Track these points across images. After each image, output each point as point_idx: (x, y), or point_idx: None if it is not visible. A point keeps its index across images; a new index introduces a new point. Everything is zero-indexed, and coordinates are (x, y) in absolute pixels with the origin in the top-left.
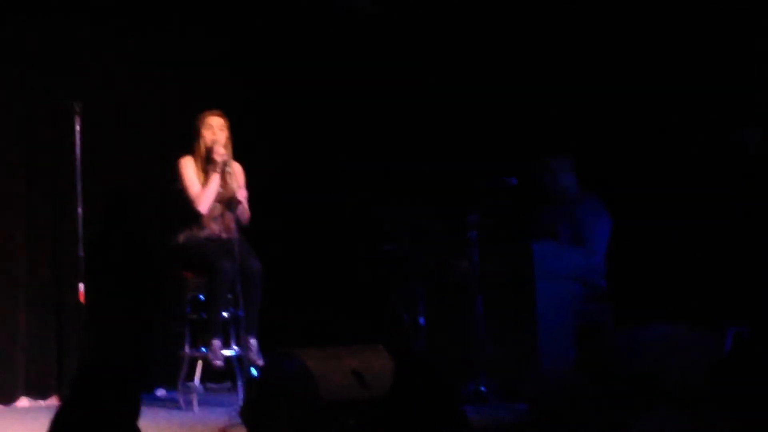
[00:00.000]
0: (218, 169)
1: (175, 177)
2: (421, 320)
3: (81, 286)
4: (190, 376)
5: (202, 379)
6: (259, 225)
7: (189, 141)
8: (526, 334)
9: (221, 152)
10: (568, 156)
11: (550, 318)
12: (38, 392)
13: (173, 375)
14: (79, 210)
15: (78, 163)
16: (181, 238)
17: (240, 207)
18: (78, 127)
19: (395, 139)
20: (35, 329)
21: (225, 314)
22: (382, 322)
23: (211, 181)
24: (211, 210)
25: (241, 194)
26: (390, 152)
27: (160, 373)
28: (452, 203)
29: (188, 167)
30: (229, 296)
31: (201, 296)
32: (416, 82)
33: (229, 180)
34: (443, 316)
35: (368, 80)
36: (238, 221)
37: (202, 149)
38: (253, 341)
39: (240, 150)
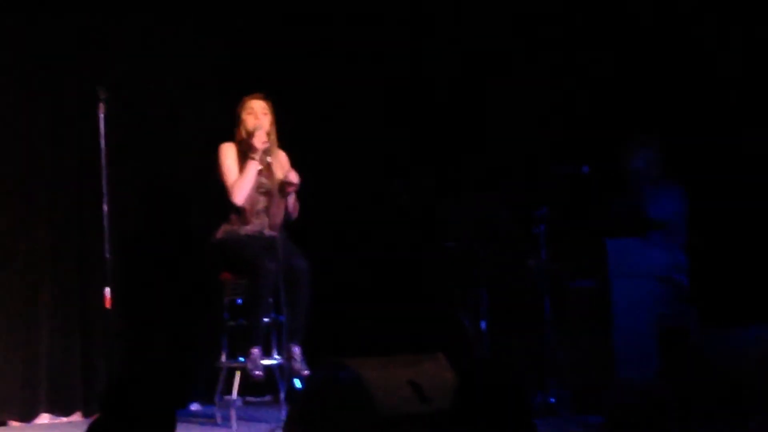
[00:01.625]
0: (257, 157)
1: (214, 166)
2: (485, 325)
3: (107, 291)
4: (228, 389)
5: (241, 392)
6: (304, 220)
7: (230, 128)
8: (601, 339)
9: (262, 138)
10: (649, 137)
11: (628, 321)
12: (61, 408)
13: (209, 388)
14: (105, 207)
15: (103, 154)
16: (219, 234)
17: (288, 195)
18: (102, 116)
19: (456, 125)
20: (58, 339)
21: (266, 320)
22: (442, 328)
23: (249, 169)
24: (253, 203)
25: (292, 176)
26: (450, 139)
27: (195, 386)
28: (518, 195)
29: (228, 154)
30: (271, 300)
31: (240, 300)
32: (477, 64)
33: (273, 169)
34: (509, 320)
35: (427, 60)
36: (286, 215)
37: (243, 135)
38: (297, 350)
39: (284, 137)
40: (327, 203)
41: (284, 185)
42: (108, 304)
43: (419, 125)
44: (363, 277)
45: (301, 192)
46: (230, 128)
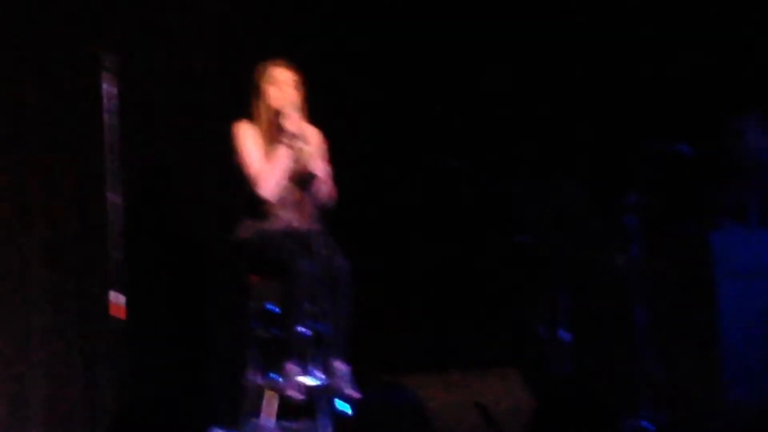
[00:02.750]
0: (289, 140)
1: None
2: (566, 335)
3: (113, 296)
4: (257, 412)
5: (273, 416)
6: (347, 212)
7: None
8: (705, 353)
9: (294, 117)
10: (763, 113)
11: (738, 330)
12: None
13: (235, 410)
14: (110, 196)
15: (107, 134)
16: (245, 231)
17: (316, 183)
18: (106, 88)
19: (532, 97)
20: (55, 352)
21: (304, 330)
22: (515, 339)
23: (279, 156)
24: (284, 195)
25: (317, 167)
26: (525, 114)
27: (219, 407)
28: (605, 179)
29: (246, 136)
30: (309, 306)
31: (271, 306)
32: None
33: (303, 153)
34: (594, 329)
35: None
36: (321, 204)
37: (264, 112)
38: (342, 366)
39: (319, 114)
40: (373, 191)
41: (305, 177)
42: (113, 311)
43: (482, 95)
44: (419, 280)
45: (341, 177)
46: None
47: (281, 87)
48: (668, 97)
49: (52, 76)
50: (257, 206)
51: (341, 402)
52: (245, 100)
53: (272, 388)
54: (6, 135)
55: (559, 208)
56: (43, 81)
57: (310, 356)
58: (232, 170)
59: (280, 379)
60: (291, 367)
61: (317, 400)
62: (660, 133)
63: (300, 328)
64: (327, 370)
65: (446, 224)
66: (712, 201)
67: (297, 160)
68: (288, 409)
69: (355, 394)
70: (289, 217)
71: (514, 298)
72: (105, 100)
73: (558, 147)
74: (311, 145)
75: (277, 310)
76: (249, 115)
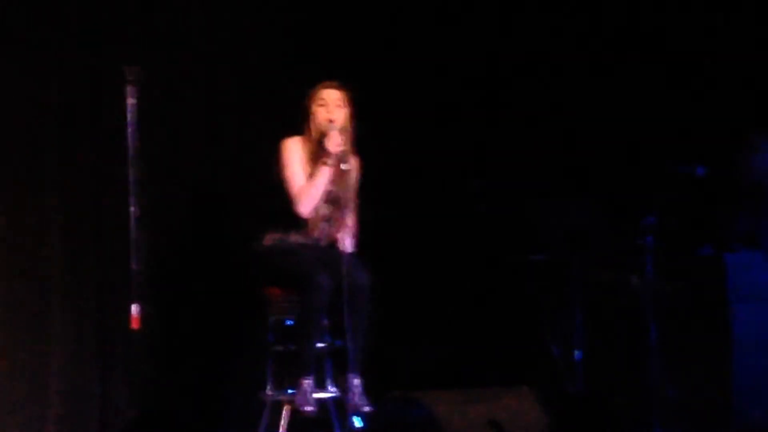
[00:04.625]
0: (332, 162)
1: (275, 164)
2: (579, 354)
3: (134, 309)
4: (273, 426)
5: (289, 430)
6: (365, 227)
7: (293, 120)
8: (718, 374)
9: (337, 140)
10: None
11: (751, 353)
12: None
13: (250, 424)
14: (132, 209)
15: (130, 146)
16: (268, 241)
17: (348, 205)
18: (131, 100)
19: (551, 117)
20: (72, 364)
21: (320, 345)
22: (527, 357)
23: (319, 175)
24: (317, 212)
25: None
26: (538, 133)
27: (234, 421)
28: (621, 201)
29: (293, 154)
30: (327, 321)
31: (289, 321)
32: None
33: (346, 176)
34: (607, 349)
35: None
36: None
37: (313, 132)
38: (356, 381)
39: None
40: (393, 208)
41: (339, 197)
42: (135, 324)
43: (501, 116)
44: (434, 296)
45: (363, 196)
46: (289, 120)
47: (328, 107)
48: (687, 119)
49: (74, 88)
50: (287, 219)
51: (355, 416)
52: (269, 112)
53: (288, 403)
54: (28, 146)
55: (575, 228)
56: (66, 92)
57: (326, 371)
58: (255, 182)
59: (296, 394)
60: (306, 382)
61: (331, 414)
62: (678, 155)
63: (317, 344)
64: (342, 385)
65: (464, 241)
66: (727, 224)
67: (337, 181)
68: (303, 424)
69: (368, 408)
70: (317, 234)
71: (529, 315)
72: (129, 112)
73: (576, 167)
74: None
75: (294, 324)
76: (289, 131)
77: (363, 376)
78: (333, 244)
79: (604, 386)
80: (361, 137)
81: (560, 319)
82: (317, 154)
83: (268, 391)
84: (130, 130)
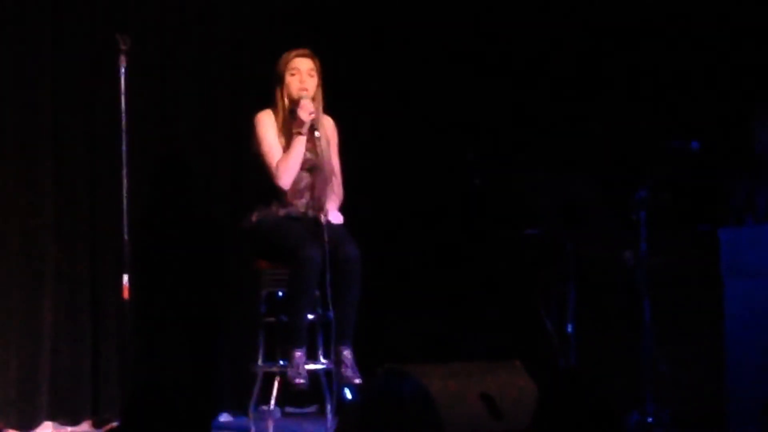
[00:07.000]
0: (305, 130)
1: (250, 139)
2: (571, 328)
3: (125, 279)
4: (265, 398)
5: (280, 402)
6: (354, 200)
7: (270, 90)
8: (711, 350)
9: (309, 109)
10: None
11: (744, 328)
12: (66, 416)
13: (242, 396)
14: (125, 181)
15: (123, 119)
16: (255, 217)
17: (328, 171)
18: (124, 71)
19: (545, 91)
20: (64, 335)
21: (311, 317)
22: (520, 330)
23: (295, 145)
24: (297, 181)
25: (329, 155)
26: (533, 107)
27: (226, 393)
28: (614, 175)
29: (267, 126)
30: (317, 293)
31: (279, 293)
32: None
33: (319, 143)
34: (600, 324)
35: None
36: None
37: (285, 101)
38: (347, 353)
39: (332, 102)
40: (383, 181)
41: (317, 165)
42: (126, 295)
43: (496, 89)
44: (427, 269)
45: (351, 168)
46: (270, 89)
47: (300, 75)
48: (680, 93)
49: (68, 57)
50: (269, 192)
51: (346, 388)
52: (259, 86)
53: (279, 374)
54: (20, 119)
55: (569, 203)
56: (58, 64)
57: (317, 343)
58: (245, 156)
59: (288, 366)
60: (298, 353)
61: (323, 386)
62: (671, 129)
63: (308, 316)
64: (333, 357)
65: (456, 214)
66: (721, 198)
67: (312, 148)
68: (294, 395)
69: (358, 380)
70: (299, 204)
71: (522, 290)
72: (122, 82)
73: (570, 141)
74: (325, 132)
75: (285, 296)
76: (266, 102)
77: (354, 348)
78: (321, 215)
79: (597, 361)
80: (354, 110)
81: (554, 294)
82: (289, 123)
83: (260, 363)
84: (122, 98)
